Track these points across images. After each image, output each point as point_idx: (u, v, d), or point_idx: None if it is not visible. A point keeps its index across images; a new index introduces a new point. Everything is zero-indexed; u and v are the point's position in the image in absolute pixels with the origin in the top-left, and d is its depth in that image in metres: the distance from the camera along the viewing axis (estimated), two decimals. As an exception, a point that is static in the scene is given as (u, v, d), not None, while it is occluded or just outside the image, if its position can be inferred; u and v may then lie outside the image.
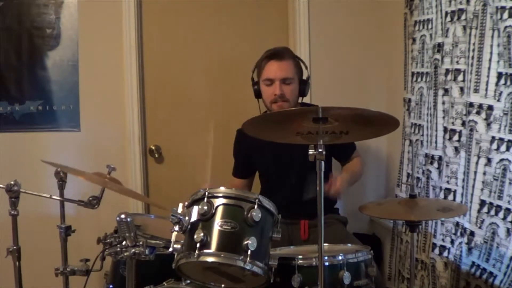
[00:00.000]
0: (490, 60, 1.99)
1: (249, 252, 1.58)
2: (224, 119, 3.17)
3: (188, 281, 1.85)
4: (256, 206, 1.65)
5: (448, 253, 2.27)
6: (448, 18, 2.27)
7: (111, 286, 2.10)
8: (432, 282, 2.38)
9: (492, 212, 2.02)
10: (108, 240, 1.89)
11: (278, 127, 1.75)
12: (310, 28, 3.09)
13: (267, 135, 1.84)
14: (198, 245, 1.58)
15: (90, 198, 2.00)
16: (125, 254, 1.68)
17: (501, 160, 1.98)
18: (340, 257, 1.77)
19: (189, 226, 1.63)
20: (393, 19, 2.95)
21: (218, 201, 1.65)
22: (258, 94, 2.46)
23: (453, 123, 2.24)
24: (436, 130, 2.38)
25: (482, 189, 2.07)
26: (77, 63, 3.00)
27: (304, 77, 2.47)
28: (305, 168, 2.31)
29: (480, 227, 2.07)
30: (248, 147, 2.50)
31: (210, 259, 1.59)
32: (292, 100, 2.40)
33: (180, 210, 1.65)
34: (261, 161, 2.55)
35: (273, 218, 1.72)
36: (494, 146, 2.00)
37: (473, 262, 2.12)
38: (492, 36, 1.98)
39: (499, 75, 1.97)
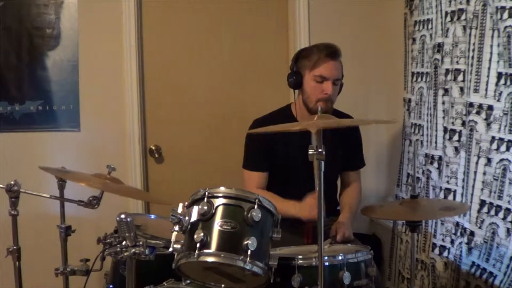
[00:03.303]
0: (490, 60, 1.99)
1: (249, 252, 1.58)
2: (224, 119, 3.17)
3: (188, 281, 1.85)
4: (256, 206, 1.64)
5: (448, 253, 2.27)
6: (448, 18, 2.28)
7: (111, 286, 2.10)
8: (432, 282, 2.38)
9: (492, 212, 2.02)
10: (108, 240, 1.89)
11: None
12: (310, 28, 3.09)
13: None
14: (198, 245, 1.58)
15: (90, 198, 2.00)
16: (125, 254, 1.67)
17: (501, 160, 1.98)
18: (340, 257, 1.77)
19: (189, 226, 1.63)
20: (393, 19, 2.96)
21: (218, 201, 1.65)
22: (297, 85, 2.39)
23: (453, 123, 2.24)
24: (436, 130, 2.38)
25: (482, 189, 2.07)
26: (77, 63, 3.00)
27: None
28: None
29: (480, 227, 2.07)
30: (269, 138, 2.40)
31: (210, 259, 1.59)
32: (334, 101, 2.39)
33: (180, 210, 1.65)
34: (280, 155, 2.43)
35: (273, 218, 1.72)
36: (494, 146, 2.00)
37: (473, 262, 2.12)
38: (492, 36, 1.98)
39: (499, 75, 1.97)
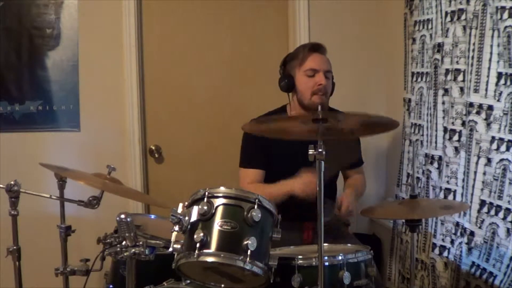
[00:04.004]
0: (490, 60, 1.99)
1: (249, 252, 1.58)
2: (224, 119, 3.17)
3: (188, 281, 1.85)
4: (256, 206, 1.64)
5: (448, 253, 2.27)
6: (448, 18, 2.27)
7: (111, 286, 2.10)
8: (432, 282, 2.38)
9: (492, 212, 2.02)
10: (108, 240, 1.89)
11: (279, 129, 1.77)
12: (310, 28, 3.09)
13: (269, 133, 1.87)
14: (198, 245, 1.58)
15: (90, 198, 2.00)
16: (125, 254, 1.68)
17: (501, 160, 1.98)
18: (340, 257, 1.77)
19: (189, 226, 1.63)
20: (393, 19, 2.96)
21: (218, 201, 1.65)
22: (290, 88, 2.41)
23: (453, 123, 2.24)
24: (436, 130, 2.38)
25: (482, 189, 2.07)
26: (77, 63, 3.00)
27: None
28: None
29: (480, 227, 2.07)
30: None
31: (210, 259, 1.59)
32: (328, 95, 2.40)
33: (180, 210, 1.65)
34: (277, 155, 2.42)
35: (273, 218, 1.72)
36: (494, 146, 2.00)
37: (473, 262, 2.12)
38: (492, 36, 1.98)
39: (499, 75, 1.97)
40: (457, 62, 2.22)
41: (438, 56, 2.37)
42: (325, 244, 1.79)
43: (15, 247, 1.98)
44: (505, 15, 1.90)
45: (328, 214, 2.25)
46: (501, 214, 1.98)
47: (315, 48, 2.40)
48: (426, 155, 2.47)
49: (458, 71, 2.21)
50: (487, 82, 2.01)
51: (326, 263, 1.74)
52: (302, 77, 2.37)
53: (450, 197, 2.25)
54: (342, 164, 2.53)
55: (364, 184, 2.62)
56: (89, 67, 3.01)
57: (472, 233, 2.12)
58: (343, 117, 1.70)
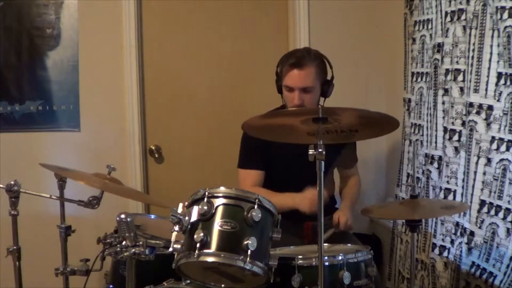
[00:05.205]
0: (490, 60, 1.99)
1: (249, 252, 1.58)
2: (224, 119, 3.17)
3: (188, 281, 1.85)
4: (256, 206, 1.65)
5: (448, 253, 2.27)
6: (448, 18, 2.28)
7: (111, 286, 2.10)
8: (432, 282, 2.38)
9: (492, 212, 2.02)
10: (108, 240, 1.89)
11: (278, 129, 1.76)
12: (310, 28, 3.09)
13: (270, 135, 1.86)
14: (198, 245, 1.58)
15: (90, 198, 2.00)
16: (125, 254, 1.68)
17: (501, 160, 1.98)
18: (340, 257, 1.77)
19: (189, 226, 1.63)
20: (393, 19, 2.96)
21: (218, 201, 1.65)
22: (281, 91, 2.42)
23: (453, 123, 2.24)
24: (436, 130, 2.38)
25: (482, 189, 2.07)
26: (77, 63, 3.00)
27: (328, 77, 2.38)
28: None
29: (480, 227, 2.07)
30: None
31: (210, 259, 1.59)
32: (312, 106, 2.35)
33: (180, 210, 1.65)
34: (278, 154, 2.42)
35: (273, 218, 1.72)
36: (494, 146, 2.00)
37: (473, 262, 2.12)
38: (492, 36, 1.98)
39: (499, 75, 1.97)
40: (457, 62, 2.22)
41: (438, 56, 2.37)
42: (325, 244, 1.79)
43: (15, 247, 1.98)
44: (505, 15, 1.90)
45: (327, 230, 2.30)
46: (501, 214, 1.98)
47: (293, 64, 2.29)
48: (426, 155, 2.47)
49: (458, 71, 2.21)
50: (487, 82, 2.01)
51: (326, 263, 1.74)
52: (284, 89, 2.37)
53: (450, 197, 2.25)
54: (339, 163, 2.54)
55: (359, 184, 2.63)
56: (89, 67, 3.01)
57: (472, 233, 2.12)
58: (342, 112, 1.68)
